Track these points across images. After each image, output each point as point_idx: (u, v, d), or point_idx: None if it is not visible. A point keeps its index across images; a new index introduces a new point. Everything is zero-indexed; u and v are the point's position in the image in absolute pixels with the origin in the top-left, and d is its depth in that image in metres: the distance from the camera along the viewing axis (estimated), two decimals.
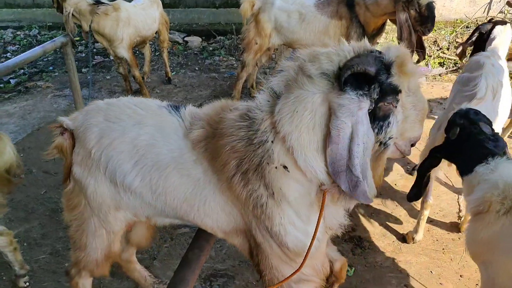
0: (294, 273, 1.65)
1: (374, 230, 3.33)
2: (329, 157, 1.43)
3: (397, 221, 3.43)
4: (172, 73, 6.81)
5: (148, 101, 2.03)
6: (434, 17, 4.04)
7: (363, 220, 3.44)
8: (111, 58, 6.82)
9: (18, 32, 9.29)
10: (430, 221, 3.40)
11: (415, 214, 3.48)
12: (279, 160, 1.54)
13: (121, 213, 2.00)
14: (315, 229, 1.57)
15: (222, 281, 2.91)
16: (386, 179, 3.97)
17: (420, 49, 4.33)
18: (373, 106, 1.43)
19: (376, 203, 3.63)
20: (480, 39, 3.36)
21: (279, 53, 5.80)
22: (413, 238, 3.17)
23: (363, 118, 1.41)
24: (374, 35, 4.51)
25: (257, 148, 1.58)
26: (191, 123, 1.85)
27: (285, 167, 1.55)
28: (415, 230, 3.16)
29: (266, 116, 1.57)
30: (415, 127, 1.55)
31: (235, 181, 1.63)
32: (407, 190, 3.78)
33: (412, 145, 1.64)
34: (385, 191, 3.79)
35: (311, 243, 1.58)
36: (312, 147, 1.48)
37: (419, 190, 2.23)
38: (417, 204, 3.60)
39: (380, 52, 1.45)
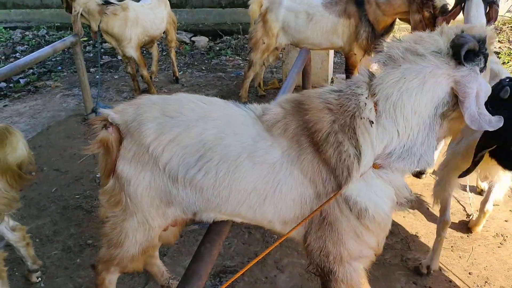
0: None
1: None
2: (468, 119, 1.63)
3: (405, 218, 3.45)
4: (180, 73, 6.85)
5: (209, 97, 2.01)
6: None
7: None
8: (119, 57, 6.90)
9: (27, 33, 9.38)
10: None
11: (423, 212, 3.49)
12: (367, 115, 1.68)
13: (171, 210, 1.97)
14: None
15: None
16: None
17: None
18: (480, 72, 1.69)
19: None
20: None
21: (286, 52, 5.83)
22: (428, 268, 2.86)
23: (481, 81, 1.66)
24: (383, 34, 4.53)
25: (349, 101, 1.71)
26: (263, 110, 1.88)
27: (371, 122, 1.67)
28: (430, 259, 2.87)
29: (361, 83, 1.74)
30: (488, 87, 1.78)
31: (329, 142, 1.70)
32: (413, 188, 3.81)
33: None
34: None
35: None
36: (408, 108, 1.65)
37: (471, 167, 2.24)
38: (428, 203, 3.62)
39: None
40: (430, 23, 4.08)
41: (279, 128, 1.79)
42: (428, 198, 3.68)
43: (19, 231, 2.80)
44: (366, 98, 1.70)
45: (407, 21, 4.35)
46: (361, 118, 1.67)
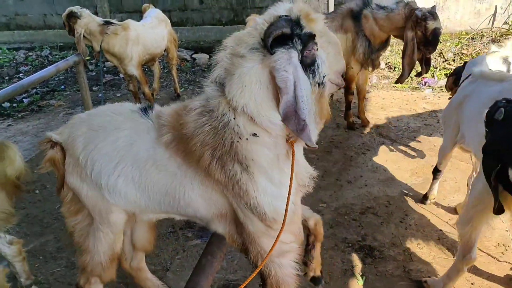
0: (276, 240, 1.71)
1: (384, 239, 3.36)
2: (282, 107, 1.60)
3: (407, 230, 3.46)
4: (181, 89, 6.93)
5: (122, 106, 2.19)
6: (437, 43, 4.28)
7: (373, 229, 3.47)
8: (121, 76, 6.98)
9: (30, 53, 9.52)
10: (440, 229, 3.42)
11: (424, 223, 3.50)
12: (247, 131, 1.70)
13: (114, 214, 2.13)
14: (289, 187, 1.70)
15: None
16: (391, 189, 4.01)
17: (425, 65, 4.43)
18: (301, 56, 1.64)
19: (384, 212, 3.66)
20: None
21: None
22: None
23: (297, 65, 1.61)
24: (379, 49, 4.60)
25: (224, 132, 1.72)
26: (159, 125, 1.97)
27: (254, 134, 1.70)
28: (442, 284, 2.76)
29: (220, 100, 1.72)
30: (338, 59, 1.77)
31: (212, 168, 1.76)
32: (415, 199, 3.83)
33: (343, 76, 1.83)
34: (393, 201, 3.82)
35: (286, 206, 1.70)
36: (267, 106, 1.66)
37: (494, 200, 2.09)
38: (425, 211, 3.63)
39: (286, 15, 1.67)
40: (420, 43, 4.21)
41: (173, 147, 1.88)
42: (430, 209, 3.70)
43: (15, 244, 2.84)
44: (234, 119, 1.69)
45: (400, 37, 4.44)
46: (239, 141, 1.69)
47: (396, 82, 4.74)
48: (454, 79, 3.61)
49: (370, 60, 4.65)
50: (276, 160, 1.76)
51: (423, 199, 3.81)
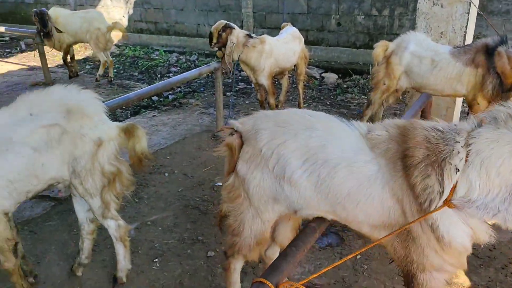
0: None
1: (479, 281, 3.25)
2: None
3: (507, 277, 3.29)
4: (304, 105, 7.29)
5: (314, 111, 2.40)
6: None
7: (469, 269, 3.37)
8: (252, 85, 7.60)
9: (181, 57, 10.83)
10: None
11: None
12: (458, 161, 1.83)
13: (277, 206, 2.33)
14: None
15: None
16: (500, 234, 3.79)
17: None
18: None
19: (486, 255, 3.51)
20: None
21: (410, 96, 5.88)
22: None
23: None
24: (510, 89, 4.39)
25: (446, 144, 1.87)
26: (368, 129, 2.17)
27: (457, 169, 1.83)
28: None
29: (463, 131, 1.89)
30: None
31: (417, 170, 1.90)
32: None
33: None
34: (499, 246, 3.64)
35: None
36: (496, 169, 1.76)
37: None
38: None
39: None
40: None
41: (381, 148, 2.06)
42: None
43: (94, 224, 3.28)
44: (461, 146, 1.85)
45: None
46: (450, 164, 1.85)
47: None
48: None
49: (499, 99, 4.45)
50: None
51: None
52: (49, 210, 4.31)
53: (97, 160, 2.88)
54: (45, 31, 8.10)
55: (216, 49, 5.86)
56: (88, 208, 3.15)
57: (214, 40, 5.73)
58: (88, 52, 11.37)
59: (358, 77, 8.88)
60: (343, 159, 2.08)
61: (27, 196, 2.80)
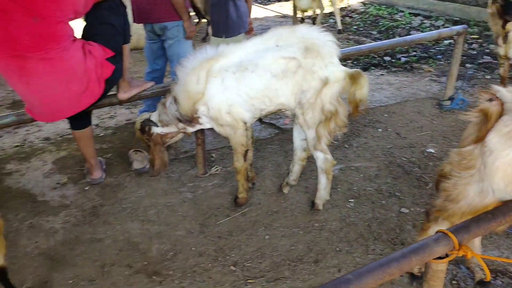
0: None
1: None
2: None
3: None
4: None
5: None
6: None
7: None
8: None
9: (426, 21, 10.31)
10: None
11: None
12: None
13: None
14: None
15: (507, 281, 2.94)
16: None
17: None
18: None
19: None
20: None
21: None
22: None
23: None
24: None
25: None
26: None
27: None
28: None
29: None
30: None
31: None
32: None
33: None
34: None
35: None
36: None
37: None
38: None
39: None
40: None
41: None
42: None
43: (306, 153, 3.75)
44: None
45: None
46: None
47: None
48: None
49: None
50: None
51: None
52: (273, 136, 5.06)
53: (320, 97, 3.24)
54: None
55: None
56: (304, 138, 3.59)
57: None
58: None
59: None
60: None
61: (261, 114, 3.42)
